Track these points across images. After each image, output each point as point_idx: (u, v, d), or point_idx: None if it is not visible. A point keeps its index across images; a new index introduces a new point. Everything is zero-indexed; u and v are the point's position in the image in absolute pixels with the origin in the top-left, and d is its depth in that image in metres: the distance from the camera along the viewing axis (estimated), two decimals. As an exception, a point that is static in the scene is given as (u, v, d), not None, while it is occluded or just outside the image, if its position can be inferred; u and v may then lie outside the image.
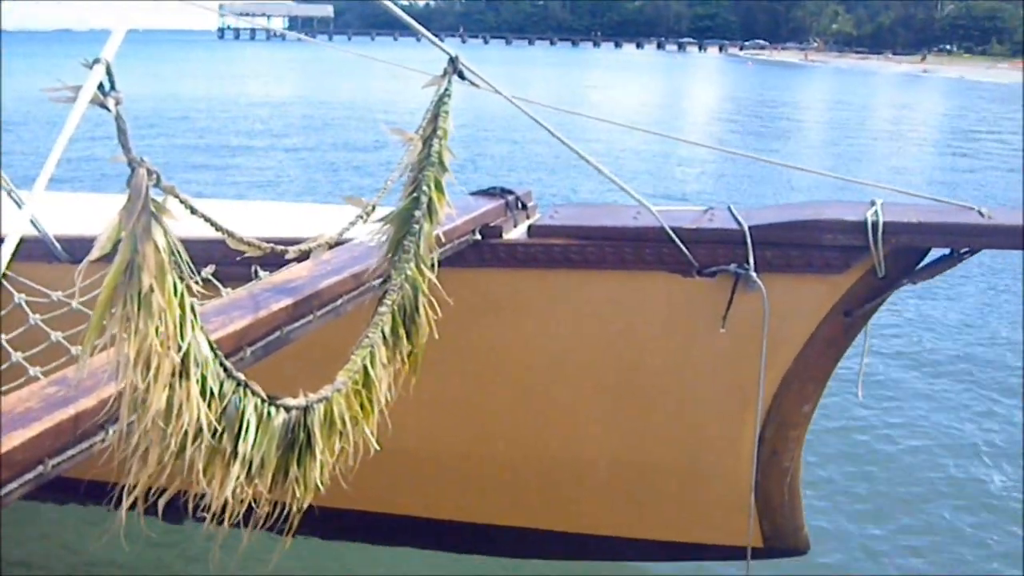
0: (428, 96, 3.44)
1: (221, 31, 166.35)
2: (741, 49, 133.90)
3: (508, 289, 4.61)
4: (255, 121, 30.11)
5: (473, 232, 4.42)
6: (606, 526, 5.09)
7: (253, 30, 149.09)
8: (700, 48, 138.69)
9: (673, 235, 4.31)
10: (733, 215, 4.47)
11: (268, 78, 50.05)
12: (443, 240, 3.96)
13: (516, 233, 4.65)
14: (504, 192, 4.78)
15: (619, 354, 4.68)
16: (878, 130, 33.94)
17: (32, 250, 4.19)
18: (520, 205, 4.81)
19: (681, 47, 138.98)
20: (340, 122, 29.84)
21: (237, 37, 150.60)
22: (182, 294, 2.17)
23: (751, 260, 4.31)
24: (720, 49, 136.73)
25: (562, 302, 4.63)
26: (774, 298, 4.34)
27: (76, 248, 4.45)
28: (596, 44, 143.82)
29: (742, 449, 4.73)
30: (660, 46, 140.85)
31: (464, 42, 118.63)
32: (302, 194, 16.78)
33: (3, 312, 4.05)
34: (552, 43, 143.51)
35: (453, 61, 3.54)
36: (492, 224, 4.52)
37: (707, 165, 21.53)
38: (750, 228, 4.32)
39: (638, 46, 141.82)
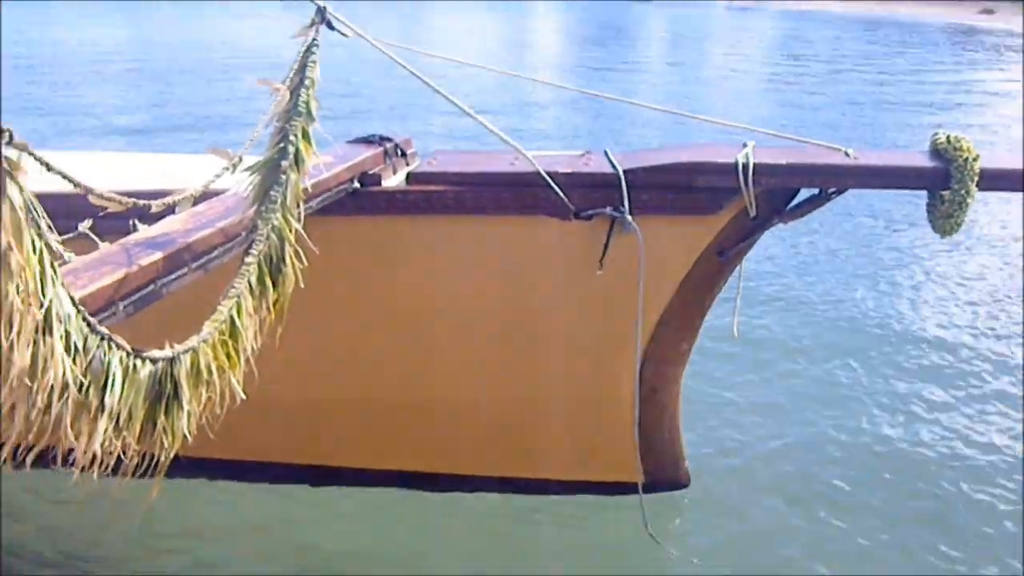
0: (297, 44, 3.44)
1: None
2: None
3: (388, 236, 4.64)
4: (109, 69, 28.65)
5: (352, 180, 4.43)
6: (492, 467, 5.18)
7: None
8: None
9: (549, 179, 4.38)
10: (609, 159, 4.53)
11: (125, 24, 47.90)
12: (321, 188, 3.98)
13: (395, 180, 4.67)
14: (383, 139, 4.79)
15: (499, 298, 4.76)
16: (732, 67, 33.85)
17: None
18: (399, 152, 4.83)
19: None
20: (203, 70, 28.61)
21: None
22: (41, 251, 2.17)
23: (626, 203, 4.39)
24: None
25: (442, 248, 4.68)
26: (649, 240, 4.42)
27: None
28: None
29: (623, 388, 4.84)
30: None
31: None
32: (166, 145, 15.95)
33: None
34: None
35: (321, 11, 3.54)
36: (371, 172, 4.53)
37: (581, 109, 21.30)
38: (625, 171, 4.39)
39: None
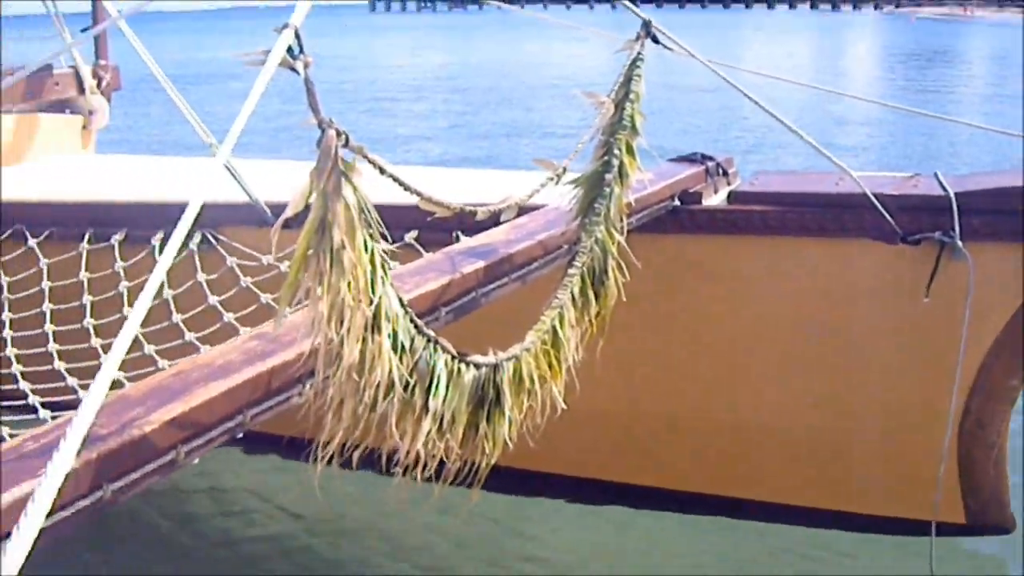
0: (608, 61, 3.42)
1: (373, 3, 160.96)
2: (897, 6, 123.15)
3: (707, 255, 4.61)
4: (432, 92, 29.63)
5: (672, 198, 4.44)
6: (796, 495, 4.99)
7: (405, 0, 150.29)
8: (854, 6, 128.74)
9: (876, 202, 4.23)
10: (939, 181, 4.35)
11: (439, 48, 49.35)
12: (641, 205, 3.97)
13: (716, 199, 4.64)
14: (704, 158, 4.78)
15: (817, 322, 4.62)
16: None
17: (243, 214, 4.36)
18: (721, 171, 4.80)
19: (835, 6, 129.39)
20: (522, 91, 29.20)
21: (388, 9, 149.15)
22: (373, 251, 2.22)
23: (957, 228, 4.19)
24: (876, 7, 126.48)
25: (761, 269, 4.60)
26: (981, 267, 4.21)
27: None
28: (748, 6, 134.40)
29: (941, 422, 4.59)
30: (813, 5, 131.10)
31: (614, 7, 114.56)
32: (486, 163, 16.50)
33: (215, 275, 4.25)
34: (703, 5, 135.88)
35: (647, 25, 3.53)
36: (691, 190, 4.53)
37: (898, 130, 20.40)
38: (956, 195, 4.21)
39: (791, 6, 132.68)
